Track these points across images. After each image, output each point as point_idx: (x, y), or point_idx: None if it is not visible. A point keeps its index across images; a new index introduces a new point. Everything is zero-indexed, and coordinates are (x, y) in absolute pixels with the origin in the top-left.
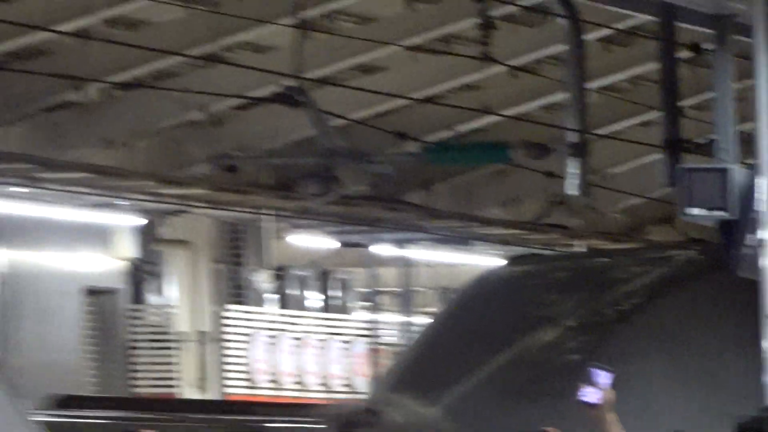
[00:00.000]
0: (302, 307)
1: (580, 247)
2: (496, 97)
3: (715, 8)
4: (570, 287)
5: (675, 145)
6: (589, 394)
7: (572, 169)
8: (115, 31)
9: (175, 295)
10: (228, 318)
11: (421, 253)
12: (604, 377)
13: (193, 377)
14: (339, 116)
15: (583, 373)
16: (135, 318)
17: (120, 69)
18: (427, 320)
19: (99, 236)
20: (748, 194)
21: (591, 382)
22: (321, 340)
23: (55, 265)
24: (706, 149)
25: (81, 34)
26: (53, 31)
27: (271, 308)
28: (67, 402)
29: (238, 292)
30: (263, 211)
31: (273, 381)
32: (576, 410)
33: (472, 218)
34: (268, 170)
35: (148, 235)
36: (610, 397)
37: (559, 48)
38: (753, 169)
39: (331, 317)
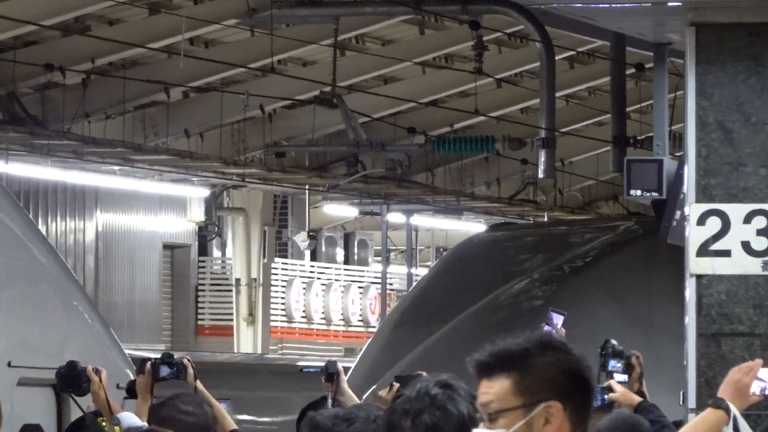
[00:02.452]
0: (330, 261)
1: (545, 217)
2: (485, 102)
3: (656, 37)
4: (537, 248)
5: (621, 141)
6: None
7: (542, 157)
8: (194, 47)
9: (233, 250)
10: (273, 268)
11: (423, 221)
12: (559, 319)
13: (245, 313)
14: (364, 115)
15: (544, 315)
16: (202, 267)
17: (197, 77)
18: (425, 272)
19: (176, 204)
20: (676, 180)
21: (548, 323)
22: (343, 286)
23: (141, 226)
24: (646, 144)
25: (168, 50)
26: (147, 47)
27: (306, 261)
28: None
29: (281, 248)
30: (303, 187)
31: (305, 317)
32: None
33: (464, 194)
34: (308, 155)
35: (213, 204)
36: (563, 335)
37: (535, 65)
38: (680, 161)
39: (352, 269)
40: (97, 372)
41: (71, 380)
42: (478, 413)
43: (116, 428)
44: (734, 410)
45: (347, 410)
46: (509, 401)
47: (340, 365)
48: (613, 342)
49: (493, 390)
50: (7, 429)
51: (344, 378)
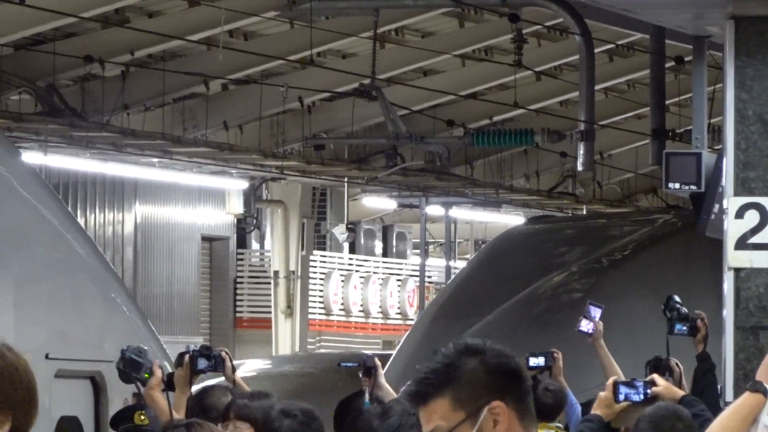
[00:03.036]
0: (368, 253)
1: (584, 210)
2: (524, 94)
3: (695, 30)
4: (575, 241)
5: (661, 134)
6: (585, 326)
7: (581, 150)
8: (233, 39)
9: (271, 243)
10: (311, 261)
11: (462, 213)
12: (596, 312)
13: (284, 306)
14: (403, 107)
15: (582, 308)
16: (240, 260)
17: (236, 69)
18: (464, 265)
19: (215, 196)
20: (715, 173)
21: (586, 316)
22: (382, 279)
23: (180, 218)
24: (685, 137)
25: (207, 42)
26: (186, 39)
27: (345, 254)
28: None
29: (319, 240)
30: (342, 179)
31: (343, 310)
32: (577, 337)
33: (503, 187)
34: (347, 148)
35: (252, 196)
36: (600, 328)
37: (574, 58)
38: (719, 154)
39: (390, 261)
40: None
41: (136, 366)
42: None
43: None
44: None
45: (385, 404)
46: (454, 418)
47: (377, 360)
48: (677, 300)
49: (436, 414)
50: (45, 421)
51: (382, 372)
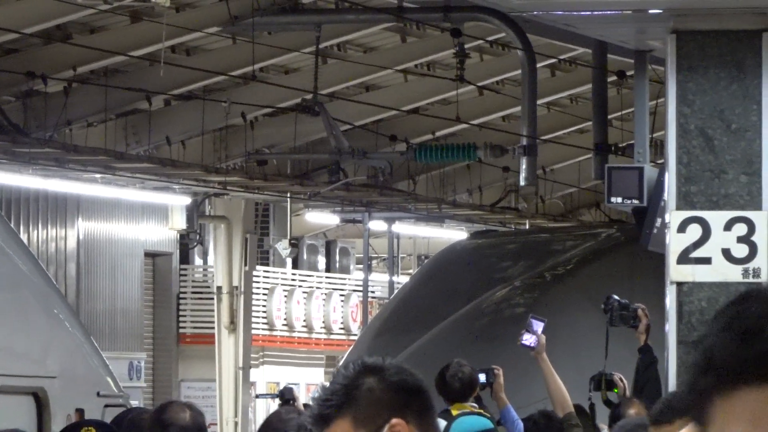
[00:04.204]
0: (312, 268)
1: (527, 225)
2: (466, 109)
3: (637, 45)
4: (518, 255)
5: (603, 149)
6: (528, 339)
7: (524, 165)
8: (176, 55)
9: (214, 258)
10: (254, 276)
11: (405, 228)
12: (539, 325)
13: (227, 321)
14: (346, 122)
15: (525, 322)
16: (183, 275)
17: (179, 85)
18: (407, 280)
19: (158, 212)
20: (657, 187)
21: (529, 329)
22: (325, 294)
23: (123, 234)
24: (627, 152)
25: (149, 58)
26: (128, 55)
27: (288, 269)
28: None
29: (262, 256)
30: (285, 195)
31: (286, 325)
32: (520, 351)
33: (445, 202)
34: (289, 163)
35: (195, 212)
36: (543, 342)
37: (517, 72)
38: (661, 168)
39: (334, 276)
40: None
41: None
42: None
43: None
44: None
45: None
46: None
47: (296, 392)
48: (615, 297)
49: None
50: None
51: (300, 403)
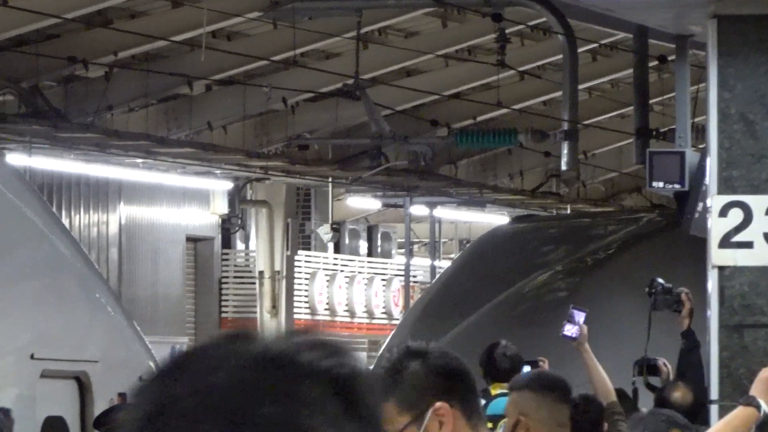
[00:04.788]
0: (353, 253)
1: (568, 210)
2: (507, 94)
3: (678, 29)
4: (559, 240)
5: (644, 133)
6: (569, 330)
7: (565, 150)
8: (217, 40)
9: (256, 243)
10: (296, 261)
11: (447, 213)
12: (580, 316)
13: (269, 306)
14: (387, 107)
15: (566, 307)
16: (225, 260)
17: (220, 70)
18: (448, 264)
19: (199, 197)
20: (698, 172)
21: (570, 320)
22: (366, 278)
23: (165, 219)
24: (668, 136)
25: (190, 43)
26: (169, 40)
27: (329, 253)
28: None
29: (304, 240)
30: (326, 179)
31: (328, 310)
32: (560, 336)
33: (486, 186)
34: (330, 148)
35: (237, 197)
36: (585, 332)
37: (558, 57)
38: (702, 152)
39: (375, 261)
40: None
41: None
42: None
43: None
44: (765, 408)
45: None
46: (399, 422)
47: None
48: (660, 280)
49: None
50: (31, 421)
51: None
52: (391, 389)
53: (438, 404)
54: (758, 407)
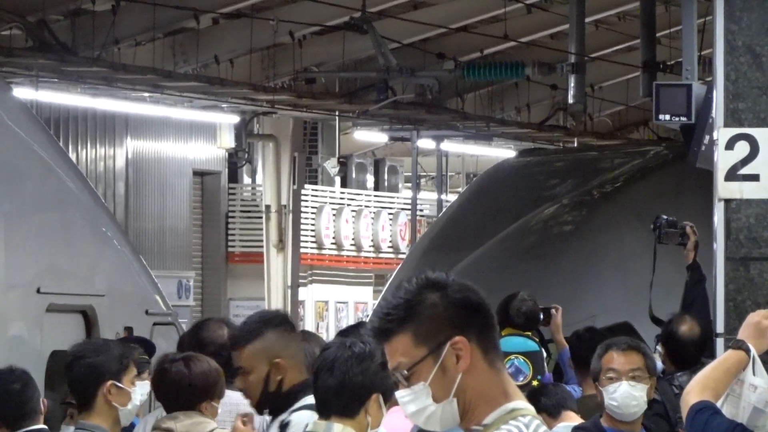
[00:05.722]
0: (360, 187)
1: (575, 143)
2: (515, 27)
3: None
4: (566, 174)
5: (651, 66)
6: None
7: (572, 83)
8: None
9: (263, 177)
10: (303, 195)
11: (454, 146)
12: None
13: (275, 240)
14: (394, 41)
15: (572, 240)
16: (232, 194)
17: (227, 3)
18: (455, 198)
19: (206, 131)
20: (705, 104)
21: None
22: (373, 212)
23: (171, 152)
24: (675, 69)
25: None
26: None
27: (336, 187)
28: None
29: (311, 174)
30: (333, 113)
31: (335, 244)
32: (567, 269)
33: (493, 120)
34: (337, 81)
35: (244, 131)
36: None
37: None
38: (709, 85)
39: (382, 195)
40: None
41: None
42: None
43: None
44: (754, 352)
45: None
46: (416, 354)
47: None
48: (664, 216)
49: (398, 350)
50: (37, 355)
51: None
52: (409, 320)
53: (457, 338)
54: (747, 351)
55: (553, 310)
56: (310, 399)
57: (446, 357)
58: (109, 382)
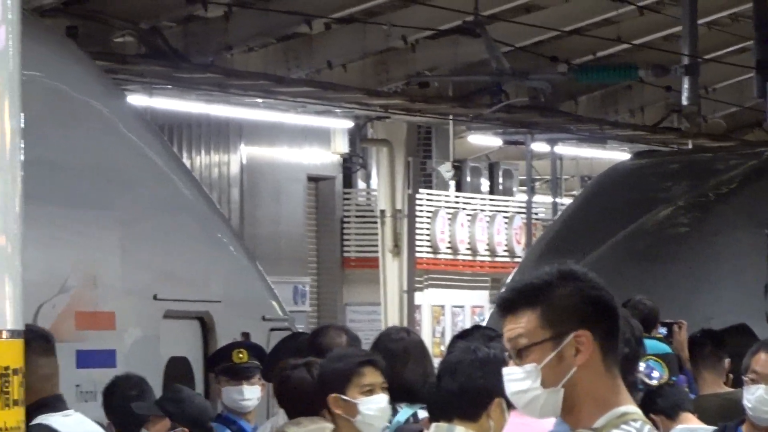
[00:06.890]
0: (475, 191)
1: (689, 145)
2: (627, 29)
3: None
4: (681, 176)
5: (765, 67)
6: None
7: (686, 84)
8: None
9: (377, 182)
10: (417, 199)
11: (568, 149)
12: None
13: (390, 245)
14: (506, 44)
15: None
16: (347, 199)
17: (339, 8)
18: (570, 201)
19: (319, 136)
20: None
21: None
22: (489, 216)
23: (286, 158)
24: None
25: None
26: None
27: (451, 192)
28: None
29: (425, 179)
30: (447, 117)
31: (450, 248)
32: (682, 271)
33: (607, 122)
34: (451, 85)
35: (357, 135)
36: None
37: None
38: None
39: (497, 198)
40: None
41: None
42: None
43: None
44: None
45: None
46: (537, 335)
47: None
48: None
49: (521, 325)
50: (155, 362)
51: None
52: (540, 301)
53: (581, 331)
54: None
55: (676, 326)
56: None
57: (566, 347)
58: None
